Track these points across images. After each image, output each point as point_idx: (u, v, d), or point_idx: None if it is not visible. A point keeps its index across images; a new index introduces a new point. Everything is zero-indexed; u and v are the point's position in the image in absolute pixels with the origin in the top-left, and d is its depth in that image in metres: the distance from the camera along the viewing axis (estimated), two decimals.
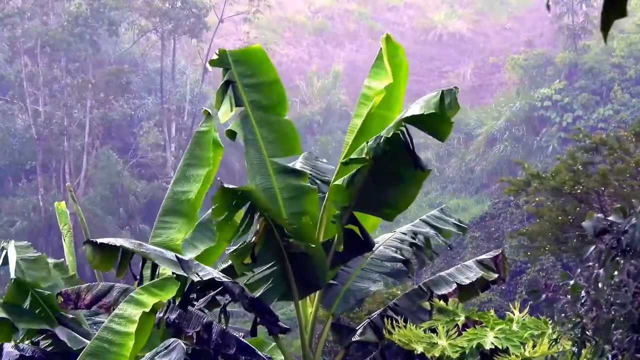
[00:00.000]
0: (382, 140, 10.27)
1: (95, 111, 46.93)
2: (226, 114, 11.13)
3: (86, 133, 46.33)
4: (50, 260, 13.32)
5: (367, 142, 10.54)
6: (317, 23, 67.32)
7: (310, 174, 11.92)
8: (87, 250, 10.09)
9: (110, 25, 46.31)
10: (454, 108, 10.07)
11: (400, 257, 11.98)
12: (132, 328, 8.61)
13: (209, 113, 12.41)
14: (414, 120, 10.28)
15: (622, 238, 5.83)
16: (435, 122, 10.29)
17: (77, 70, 46.72)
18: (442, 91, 10.13)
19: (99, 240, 10.18)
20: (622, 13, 3.63)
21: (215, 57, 11.31)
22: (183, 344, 9.28)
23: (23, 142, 46.32)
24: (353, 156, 10.63)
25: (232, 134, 11.26)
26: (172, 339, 9.69)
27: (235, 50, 11.60)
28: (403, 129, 10.42)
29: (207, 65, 11.83)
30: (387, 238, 12.34)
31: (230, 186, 10.28)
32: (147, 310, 8.76)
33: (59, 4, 46.52)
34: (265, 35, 55.31)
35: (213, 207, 10.40)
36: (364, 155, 10.45)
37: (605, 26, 3.66)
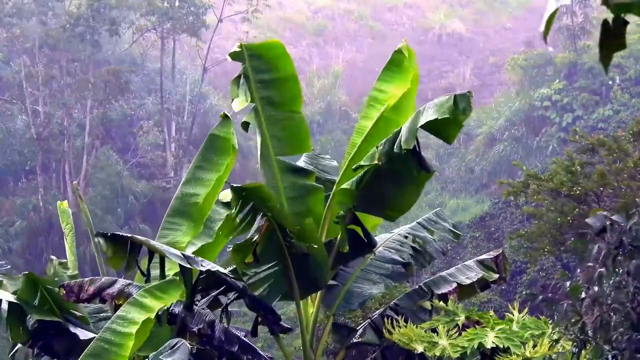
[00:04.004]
0: (395, 145, 10.23)
1: (95, 111, 46.95)
2: (241, 103, 11.04)
3: (86, 133, 46.35)
4: (54, 258, 13.37)
5: (378, 147, 10.49)
6: (317, 23, 67.37)
7: (316, 174, 11.87)
8: (100, 242, 10.07)
9: (111, 25, 46.33)
10: (466, 113, 10.02)
11: (400, 259, 11.99)
12: (133, 329, 8.63)
13: (226, 116, 12.12)
14: (427, 125, 10.22)
15: (625, 237, 5.86)
16: (446, 126, 10.23)
17: (77, 70, 46.74)
18: (455, 96, 10.05)
19: (109, 233, 10.22)
20: (621, 46, 3.52)
21: (236, 49, 11.15)
22: (188, 344, 9.29)
23: (23, 142, 46.33)
24: (364, 162, 10.58)
25: (246, 126, 11.21)
26: (177, 339, 9.71)
27: (252, 44, 11.37)
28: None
29: (227, 57, 11.62)
30: (385, 239, 12.34)
31: (239, 185, 10.24)
32: (153, 315, 8.79)
33: (59, 4, 46.53)
34: (265, 35, 55.33)
35: (232, 209, 10.32)
36: (376, 161, 10.40)
37: (605, 59, 3.55)
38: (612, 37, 3.53)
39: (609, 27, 3.51)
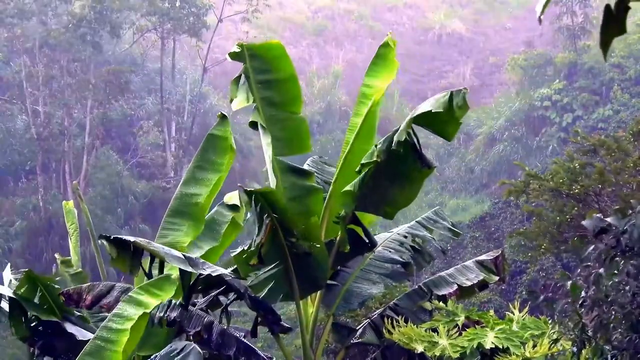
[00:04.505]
0: (393, 142, 10.28)
1: (95, 111, 46.96)
2: (240, 103, 11.08)
3: (86, 133, 46.35)
4: (58, 257, 13.39)
5: (377, 145, 10.54)
6: (317, 23, 67.36)
7: (316, 176, 11.89)
8: (105, 245, 10.06)
9: (113, 27, 46.42)
10: (462, 108, 10.08)
11: (399, 258, 12.00)
12: (129, 326, 8.62)
13: (224, 115, 12.11)
14: (423, 119, 10.29)
15: (622, 238, 5.86)
16: (444, 122, 10.29)
17: (77, 70, 46.74)
18: (451, 92, 10.14)
19: (112, 236, 10.19)
20: (622, 30, 3.62)
21: (235, 49, 11.14)
22: (199, 350, 9.24)
23: (23, 142, 46.32)
24: (364, 160, 10.61)
25: (254, 125, 11.23)
26: (186, 342, 9.67)
27: (252, 45, 11.37)
28: (410, 130, 10.45)
29: (227, 57, 11.65)
30: (385, 239, 12.35)
31: (249, 189, 10.26)
32: (149, 310, 8.76)
33: (63, 5, 46.52)
34: (265, 35, 55.33)
35: (246, 213, 10.36)
36: (374, 159, 10.43)
37: (605, 43, 3.64)
38: (613, 22, 3.61)
39: (611, 12, 3.60)
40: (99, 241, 10.39)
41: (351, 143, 11.29)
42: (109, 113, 47.83)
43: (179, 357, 8.95)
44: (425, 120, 10.32)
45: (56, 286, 11.29)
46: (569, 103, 49.00)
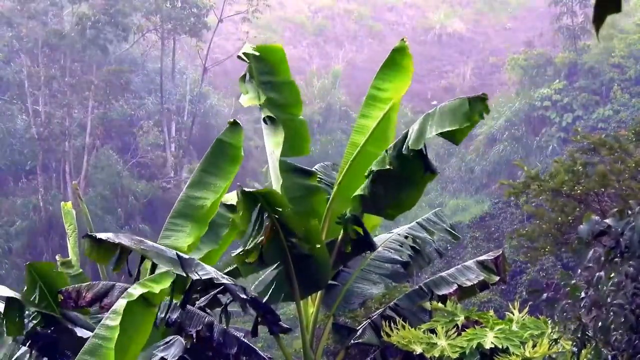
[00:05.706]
0: (403, 148, 10.26)
1: (96, 111, 46.97)
2: (250, 100, 11.14)
3: (87, 133, 46.36)
4: (58, 258, 13.35)
5: (388, 151, 10.51)
6: (317, 23, 67.39)
7: (320, 178, 11.87)
8: (85, 243, 9.96)
9: (123, 31, 46.51)
10: (483, 115, 10.01)
11: (399, 259, 12.00)
12: (118, 321, 8.60)
13: (235, 122, 12.02)
14: (437, 128, 10.23)
15: (621, 240, 5.85)
16: (458, 130, 10.22)
17: (78, 70, 46.74)
18: (469, 99, 10.04)
19: (99, 236, 10.07)
20: (617, 8, 3.45)
21: (245, 49, 11.21)
22: (182, 340, 9.26)
23: (23, 142, 46.34)
24: (375, 166, 10.58)
25: (270, 120, 11.26)
26: (172, 336, 9.67)
27: (257, 46, 11.46)
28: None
29: (238, 55, 11.69)
30: (385, 239, 12.35)
31: (249, 189, 10.25)
32: (133, 300, 8.69)
33: (69, 5, 46.52)
34: (265, 35, 55.35)
35: (239, 214, 10.34)
36: (387, 166, 10.41)
37: (598, 20, 3.48)
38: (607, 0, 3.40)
39: None
40: (83, 239, 10.25)
41: (361, 145, 11.24)
42: (109, 113, 47.85)
43: (163, 347, 8.98)
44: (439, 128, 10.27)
45: (54, 288, 11.22)
46: (569, 103, 49.01)
